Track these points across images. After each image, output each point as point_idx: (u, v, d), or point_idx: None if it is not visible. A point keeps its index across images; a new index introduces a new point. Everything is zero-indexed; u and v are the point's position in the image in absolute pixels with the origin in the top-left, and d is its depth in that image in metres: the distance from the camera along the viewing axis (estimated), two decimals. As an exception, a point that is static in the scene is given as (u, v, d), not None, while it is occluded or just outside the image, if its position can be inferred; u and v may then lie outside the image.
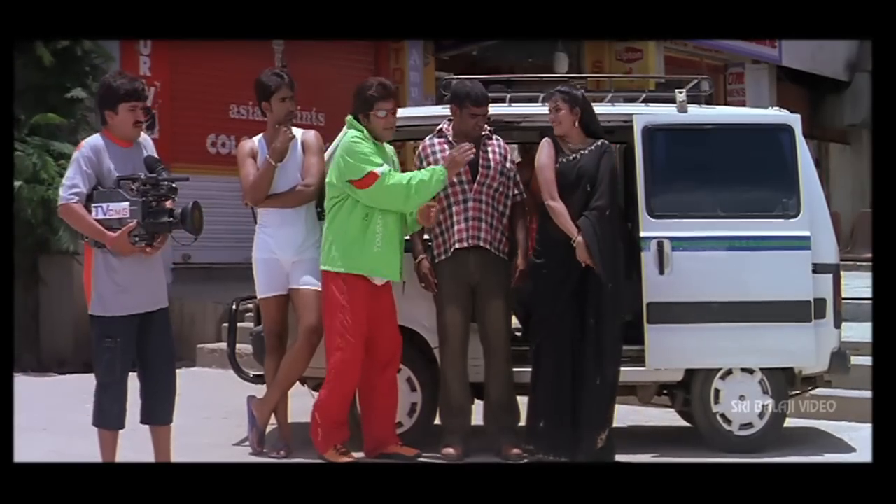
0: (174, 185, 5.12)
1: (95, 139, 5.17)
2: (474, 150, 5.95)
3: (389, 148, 6.13)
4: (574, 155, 5.98)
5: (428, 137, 6.26)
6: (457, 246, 6.04)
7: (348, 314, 5.82)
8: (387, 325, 5.98)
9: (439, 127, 6.24)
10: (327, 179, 5.98)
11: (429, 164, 6.09)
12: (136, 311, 5.13)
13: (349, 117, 6.02)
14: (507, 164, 6.19)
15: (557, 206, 5.93)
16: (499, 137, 6.26)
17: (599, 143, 6.02)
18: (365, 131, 5.93)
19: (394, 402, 6.10)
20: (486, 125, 6.21)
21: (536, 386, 5.98)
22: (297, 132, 6.25)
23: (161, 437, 5.28)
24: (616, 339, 5.93)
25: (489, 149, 6.16)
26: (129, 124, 5.13)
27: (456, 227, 6.06)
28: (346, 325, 5.81)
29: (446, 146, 6.12)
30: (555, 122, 6.04)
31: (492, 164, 6.13)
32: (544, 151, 6.04)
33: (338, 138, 6.12)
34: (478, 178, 6.08)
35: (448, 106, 6.25)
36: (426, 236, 6.22)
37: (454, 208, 6.08)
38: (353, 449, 5.99)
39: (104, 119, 5.22)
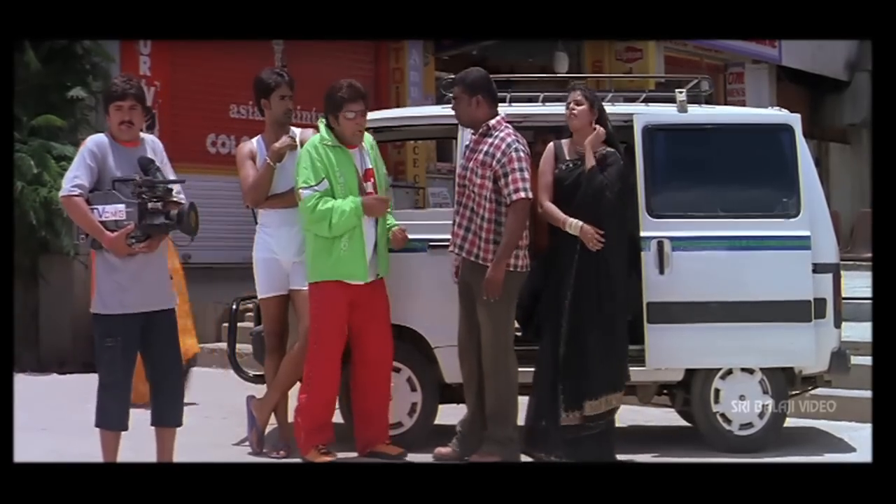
0: (169, 186, 5.15)
1: (100, 137, 5.23)
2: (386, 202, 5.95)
3: (368, 139, 6.04)
4: (579, 161, 5.96)
5: None
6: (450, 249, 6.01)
7: (323, 322, 5.84)
8: (376, 325, 5.97)
9: None
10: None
11: None
12: (136, 311, 5.12)
13: (320, 120, 5.99)
14: (496, 164, 5.74)
15: (546, 206, 5.95)
16: (502, 133, 5.84)
17: (605, 150, 5.98)
18: (332, 136, 5.90)
19: (385, 401, 6.08)
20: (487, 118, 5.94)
21: (537, 385, 5.97)
22: (296, 131, 6.27)
23: (166, 439, 5.26)
24: (622, 323, 5.97)
25: (479, 146, 5.89)
26: (114, 124, 5.20)
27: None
28: (320, 332, 5.84)
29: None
30: (572, 115, 5.99)
31: (470, 164, 5.90)
32: (543, 157, 6.04)
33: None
34: (457, 179, 6.02)
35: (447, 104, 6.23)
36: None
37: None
38: (350, 448, 5.99)
39: None
